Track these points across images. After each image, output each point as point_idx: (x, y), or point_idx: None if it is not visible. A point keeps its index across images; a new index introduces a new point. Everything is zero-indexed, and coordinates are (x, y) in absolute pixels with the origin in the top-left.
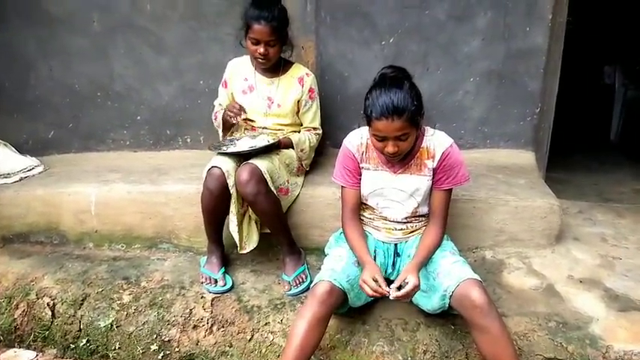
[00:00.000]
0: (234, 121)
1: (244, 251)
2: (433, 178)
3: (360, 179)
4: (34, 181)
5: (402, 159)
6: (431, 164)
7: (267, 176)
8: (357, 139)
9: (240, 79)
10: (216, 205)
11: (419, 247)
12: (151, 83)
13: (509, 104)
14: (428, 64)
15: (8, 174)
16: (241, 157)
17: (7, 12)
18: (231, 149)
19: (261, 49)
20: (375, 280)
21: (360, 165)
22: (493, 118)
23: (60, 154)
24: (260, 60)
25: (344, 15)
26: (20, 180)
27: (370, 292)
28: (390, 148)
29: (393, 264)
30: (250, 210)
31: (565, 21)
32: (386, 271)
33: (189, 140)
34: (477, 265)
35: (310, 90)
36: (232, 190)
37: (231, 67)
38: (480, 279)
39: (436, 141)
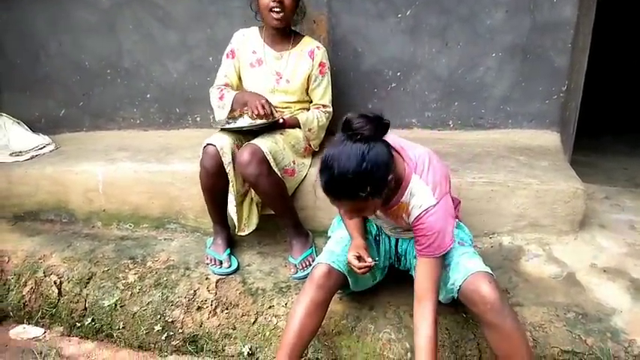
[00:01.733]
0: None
1: (242, 233)
2: (414, 236)
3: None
4: (44, 160)
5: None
6: (409, 219)
7: (269, 157)
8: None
9: (249, 51)
10: (214, 183)
11: (416, 352)
12: (159, 59)
13: (534, 81)
14: (447, 38)
15: (20, 152)
16: (242, 136)
17: None
18: (232, 125)
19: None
20: (359, 258)
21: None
22: (516, 97)
23: (71, 133)
24: (275, 13)
25: None
26: (32, 158)
27: (358, 272)
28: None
29: (397, 255)
30: (252, 191)
31: None
32: (385, 262)
33: (198, 119)
34: (494, 252)
35: (321, 64)
36: (228, 169)
37: (238, 36)
38: (490, 272)
39: (415, 202)
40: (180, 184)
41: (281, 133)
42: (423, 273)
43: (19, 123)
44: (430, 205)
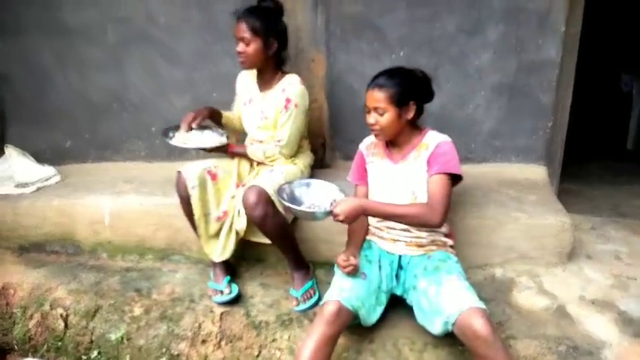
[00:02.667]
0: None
1: (215, 258)
2: (427, 166)
3: (367, 176)
4: (51, 191)
5: (401, 149)
6: (425, 154)
7: (274, 198)
8: (369, 139)
9: (245, 91)
10: (190, 210)
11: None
12: (164, 94)
13: (521, 118)
14: (438, 77)
15: (26, 183)
16: (217, 161)
17: (25, 23)
18: (178, 143)
19: (238, 47)
20: (347, 260)
21: (367, 160)
22: (504, 132)
23: (77, 164)
24: (240, 60)
25: (354, 28)
26: (37, 190)
27: (343, 268)
28: (369, 118)
29: (397, 277)
30: (236, 220)
31: (579, 32)
32: (389, 284)
33: (201, 152)
34: (487, 284)
35: (287, 99)
36: (192, 193)
37: (239, 79)
38: (484, 307)
39: (435, 137)
40: (184, 216)
41: (280, 172)
42: (432, 185)
43: (24, 154)
44: (448, 139)
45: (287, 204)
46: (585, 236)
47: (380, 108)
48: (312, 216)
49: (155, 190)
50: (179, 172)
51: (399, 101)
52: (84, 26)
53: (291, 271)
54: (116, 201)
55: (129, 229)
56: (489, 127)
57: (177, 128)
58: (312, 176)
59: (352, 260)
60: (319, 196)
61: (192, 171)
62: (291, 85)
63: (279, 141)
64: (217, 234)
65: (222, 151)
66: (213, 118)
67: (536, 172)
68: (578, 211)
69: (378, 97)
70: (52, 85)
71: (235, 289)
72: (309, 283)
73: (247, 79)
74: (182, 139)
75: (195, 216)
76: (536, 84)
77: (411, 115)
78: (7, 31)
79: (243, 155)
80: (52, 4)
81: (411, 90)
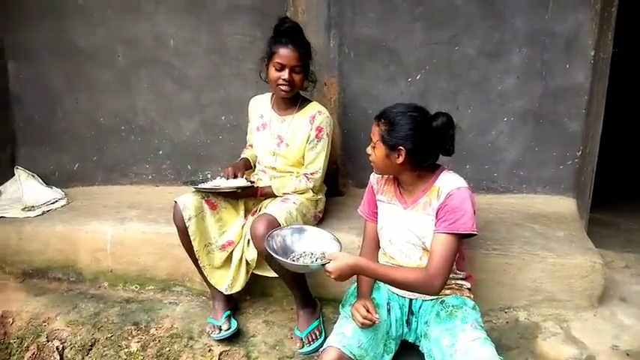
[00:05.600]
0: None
1: (223, 290)
2: (435, 219)
3: (377, 212)
4: (55, 216)
5: (411, 193)
6: (435, 204)
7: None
8: None
9: (257, 115)
10: (188, 242)
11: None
12: (173, 118)
13: (548, 146)
14: (458, 102)
15: (33, 207)
16: (222, 196)
17: (37, 46)
18: (203, 185)
19: (286, 75)
20: (367, 309)
21: (377, 197)
22: (529, 161)
23: (84, 187)
24: (283, 88)
25: (368, 50)
26: (43, 214)
27: (360, 320)
28: (368, 148)
29: (408, 322)
30: (245, 250)
31: (610, 56)
32: (399, 330)
33: (209, 176)
34: (509, 328)
35: (318, 128)
36: (188, 224)
37: (251, 103)
38: None
39: (448, 182)
40: None
41: (294, 202)
42: (435, 244)
43: (33, 176)
44: (462, 186)
45: (276, 257)
46: (618, 276)
47: (373, 141)
48: (302, 270)
49: (159, 217)
50: (175, 202)
51: (388, 143)
52: (94, 49)
53: (297, 309)
54: (119, 228)
55: (131, 257)
56: (513, 155)
57: (204, 181)
58: (326, 205)
59: (373, 315)
60: (313, 245)
61: (188, 201)
62: (321, 114)
63: (312, 174)
64: (225, 264)
65: (250, 193)
66: (247, 167)
67: (564, 205)
68: (611, 246)
69: (373, 129)
70: (62, 107)
71: (234, 324)
72: (315, 323)
73: (261, 103)
74: (211, 183)
75: (194, 247)
76: (564, 111)
77: (399, 160)
78: (20, 54)
79: (270, 195)
80: (64, 27)
81: (406, 137)
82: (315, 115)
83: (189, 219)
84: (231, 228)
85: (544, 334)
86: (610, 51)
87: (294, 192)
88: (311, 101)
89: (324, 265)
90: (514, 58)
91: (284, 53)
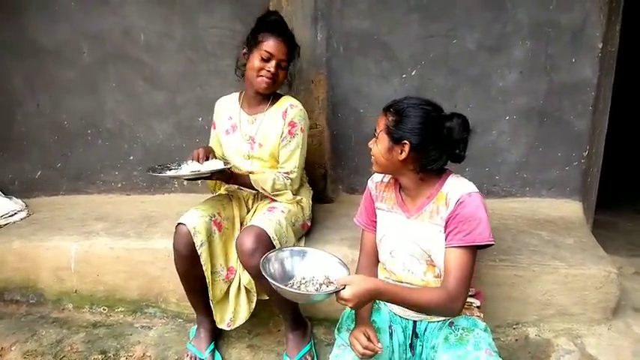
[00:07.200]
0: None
1: (227, 328)
2: (445, 230)
3: (376, 221)
4: (13, 231)
5: (414, 199)
6: (444, 212)
7: (276, 242)
8: (379, 177)
9: (225, 118)
10: (188, 269)
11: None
12: (144, 120)
13: (553, 146)
14: (456, 99)
15: None
16: (222, 209)
17: None
18: (170, 173)
19: (272, 67)
20: (367, 337)
21: (375, 204)
22: (533, 163)
23: (47, 197)
24: (266, 80)
25: (359, 45)
26: (0, 228)
27: (361, 350)
28: (370, 142)
29: (411, 346)
30: (244, 277)
31: (617, 50)
32: (402, 356)
33: (185, 183)
34: (519, 347)
35: (291, 123)
36: (200, 251)
37: (217, 105)
38: None
39: (457, 187)
40: (161, 263)
41: (282, 211)
42: (451, 259)
43: None
44: (473, 191)
45: (278, 285)
46: (629, 282)
47: (376, 133)
48: (308, 299)
49: (129, 230)
50: (182, 224)
51: (393, 134)
52: (57, 45)
53: (286, 331)
54: (84, 244)
55: (97, 276)
56: (516, 156)
57: (162, 167)
58: (314, 213)
59: (375, 344)
60: (315, 269)
61: (197, 223)
62: (293, 108)
63: (287, 173)
64: (224, 296)
65: (223, 178)
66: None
67: (571, 209)
68: (615, 251)
69: (379, 120)
70: (22, 110)
71: (218, 359)
72: (307, 347)
73: (228, 104)
74: (183, 169)
75: (207, 279)
76: (570, 108)
77: (402, 156)
78: None
79: (246, 185)
80: (22, 23)
81: (413, 130)
82: (287, 110)
83: (201, 245)
84: (232, 250)
85: (557, 353)
86: (617, 44)
87: (273, 190)
88: (282, 95)
89: (337, 292)
90: (516, 52)
91: (274, 43)
